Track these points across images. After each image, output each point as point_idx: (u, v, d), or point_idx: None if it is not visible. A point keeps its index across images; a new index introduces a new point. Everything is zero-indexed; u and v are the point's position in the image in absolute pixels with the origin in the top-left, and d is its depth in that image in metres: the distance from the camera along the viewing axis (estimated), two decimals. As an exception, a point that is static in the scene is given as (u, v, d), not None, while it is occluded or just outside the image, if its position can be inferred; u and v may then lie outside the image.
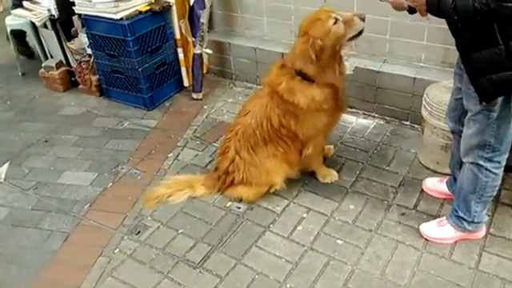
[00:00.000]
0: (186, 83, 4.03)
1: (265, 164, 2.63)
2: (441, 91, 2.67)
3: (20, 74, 4.53)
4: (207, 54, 3.82)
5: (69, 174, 3.11)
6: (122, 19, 3.43)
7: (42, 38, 4.32)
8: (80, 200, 2.86)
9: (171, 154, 3.20)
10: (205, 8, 3.60)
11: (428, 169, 2.85)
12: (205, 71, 4.01)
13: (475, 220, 2.28)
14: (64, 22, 3.98)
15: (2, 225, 2.73)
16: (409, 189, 2.73)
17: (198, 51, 3.73)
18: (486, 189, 2.18)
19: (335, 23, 2.35)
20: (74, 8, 3.63)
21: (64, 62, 4.17)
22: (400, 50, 3.26)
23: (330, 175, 2.83)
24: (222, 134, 3.03)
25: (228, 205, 2.72)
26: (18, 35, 4.48)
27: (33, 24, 4.07)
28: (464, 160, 2.18)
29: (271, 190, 2.74)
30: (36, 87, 4.28)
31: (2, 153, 3.37)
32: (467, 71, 1.93)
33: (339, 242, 2.43)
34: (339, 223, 2.54)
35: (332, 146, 3.06)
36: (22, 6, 4.06)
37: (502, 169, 2.14)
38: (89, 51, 3.87)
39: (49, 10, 3.79)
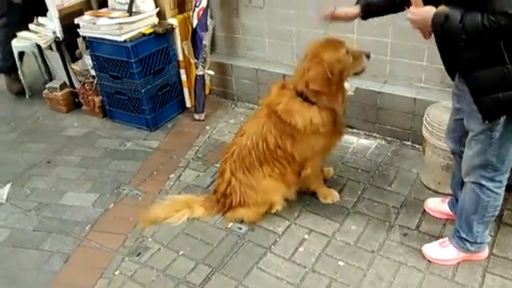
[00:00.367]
0: (188, 104, 4.06)
1: (261, 184, 2.63)
2: (441, 111, 2.68)
3: (28, 96, 4.56)
4: (209, 75, 3.86)
5: (71, 194, 3.12)
6: (125, 41, 3.47)
7: (46, 59, 4.38)
8: (81, 221, 2.86)
9: (173, 175, 3.20)
10: (207, 30, 3.65)
11: (429, 189, 2.84)
12: (207, 92, 4.05)
13: (478, 240, 2.27)
14: (68, 43, 4.04)
15: (3, 246, 2.73)
16: (411, 209, 2.71)
17: (201, 72, 3.77)
18: (488, 208, 2.17)
19: (347, 53, 2.42)
20: (78, 30, 3.69)
21: (68, 83, 4.22)
22: (400, 71, 3.28)
23: (331, 195, 2.83)
24: (224, 154, 3.04)
25: (229, 226, 2.71)
26: (12, 69, 4.54)
27: (38, 46, 4.14)
28: (465, 180, 2.18)
29: (272, 211, 2.74)
30: (40, 108, 4.32)
31: (5, 173, 3.38)
32: (470, 89, 1.92)
33: (341, 263, 2.41)
34: (341, 244, 2.53)
35: (331, 168, 3.06)
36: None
37: (504, 188, 2.14)
38: (92, 73, 3.92)
39: (54, 33, 3.85)
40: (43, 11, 3.96)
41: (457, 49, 1.90)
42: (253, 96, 3.95)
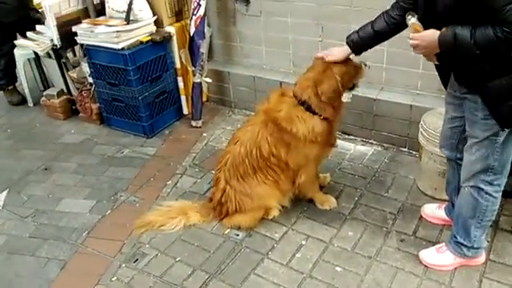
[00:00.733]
0: (185, 111, 4.07)
1: (255, 190, 2.63)
2: (437, 118, 2.69)
3: (32, 105, 4.55)
4: (207, 82, 3.88)
5: (68, 201, 3.11)
6: (123, 49, 3.49)
7: (44, 66, 4.40)
8: (78, 227, 2.85)
9: (170, 182, 3.20)
10: (204, 38, 3.67)
11: (426, 195, 2.85)
12: (204, 99, 4.06)
13: (475, 245, 2.27)
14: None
15: (-1, 253, 2.72)
16: (407, 215, 2.72)
17: (198, 80, 3.79)
18: (486, 213, 2.18)
19: (351, 65, 2.46)
20: (76, 38, 3.71)
21: (65, 90, 4.23)
22: (397, 78, 3.31)
23: (328, 202, 2.83)
24: (221, 161, 3.04)
25: (226, 232, 2.71)
26: (9, 83, 4.56)
27: (35, 53, 4.17)
28: (464, 184, 2.19)
29: (269, 217, 2.75)
30: (37, 115, 4.33)
31: (2, 180, 3.38)
32: (484, 99, 1.91)
33: (338, 269, 2.41)
34: (338, 250, 2.53)
35: (328, 174, 3.07)
36: None
37: (501, 193, 2.15)
38: (90, 80, 3.93)
39: (51, 40, 3.86)
40: (28, 29, 4.05)
41: (456, 63, 1.92)
42: (250, 103, 3.97)
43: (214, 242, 2.64)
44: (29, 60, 4.43)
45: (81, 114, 4.16)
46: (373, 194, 2.93)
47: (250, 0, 3.67)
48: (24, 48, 4.23)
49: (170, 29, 3.77)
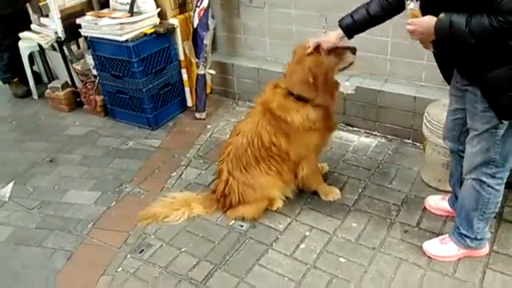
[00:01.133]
0: (189, 103, 4.08)
1: (258, 180, 2.65)
2: (441, 109, 2.69)
3: (37, 97, 4.56)
4: (210, 74, 3.88)
5: (73, 193, 3.13)
6: (127, 41, 3.49)
7: (48, 59, 4.41)
8: (83, 219, 2.87)
9: (175, 173, 3.22)
10: (208, 30, 3.67)
11: (430, 186, 2.86)
12: (208, 91, 4.07)
13: (478, 237, 2.28)
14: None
15: (6, 244, 2.74)
16: (411, 206, 2.73)
17: (202, 72, 3.79)
18: (489, 205, 2.18)
19: (328, 54, 2.43)
20: (80, 30, 3.71)
21: (70, 82, 4.24)
22: (401, 70, 3.30)
23: (332, 193, 2.84)
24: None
25: (231, 223, 2.72)
26: (13, 76, 4.57)
27: (39, 46, 4.17)
28: (466, 177, 2.19)
29: (273, 208, 2.76)
30: (42, 108, 4.35)
31: (7, 172, 3.40)
32: (482, 90, 1.90)
33: (342, 260, 2.42)
34: (342, 241, 2.54)
35: (325, 164, 3.08)
36: None
37: (504, 185, 2.15)
38: (94, 72, 3.94)
39: (56, 33, 3.87)
40: (28, 23, 4.07)
41: (453, 52, 1.91)
42: (254, 95, 3.92)
43: (218, 233, 2.66)
44: (33, 53, 4.44)
45: (85, 106, 4.18)
46: (377, 185, 2.93)
47: (253, -9, 3.66)
48: (28, 41, 4.23)
49: (174, 21, 3.77)
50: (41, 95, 4.50)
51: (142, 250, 2.59)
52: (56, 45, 4.04)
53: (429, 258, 2.38)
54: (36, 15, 4.06)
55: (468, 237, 2.28)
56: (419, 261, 2.37)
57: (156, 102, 3.79)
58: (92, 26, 3.61)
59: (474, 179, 2.14)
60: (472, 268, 2.31)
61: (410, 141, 3.31)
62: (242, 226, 2.69)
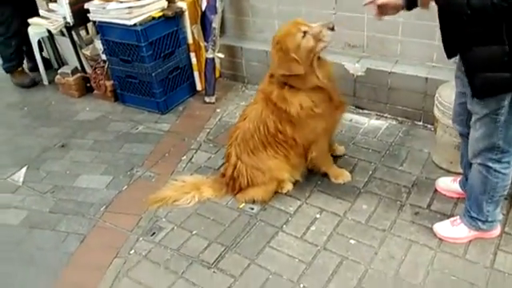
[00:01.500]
0: (198, 87, 4.07)
1: (266, 163, 2.66)
2: (452, 90, 2.63)
3: (47, 83, 4.54)
4: (219, 58, 3.87)
5: (85, 177, 3.17)
6: (135, 25, 3.48)
7: (57, 45, 4.41)
8: (96, 202, 2.91)
9: (185, 157, 3.24)
10: (216, 13, 3.64)
11: (441, 168, 2.84)
12: (217, 75, 4.05)
13: (489, 219, 2.27)
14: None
15: (21, 227, 2.79)
16: (422, 188, 2.72)
17: (211, 55, 3.77)
18: (497, 189, 2.16)
19: (304, 37, 2.41)
20: (88, 15, 3.71)
21: (79, 68, 4.25)
22: (411, 51, 3.26)
23: (342, 175, 2.84)
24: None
25: (241, 206, 2.74)
26: (18, 65, 4.54)
27: (49, 32, 4.18)
28: (472, 161, 2.17)
29: (283, 191, 2.77)
30: (52, 93, 4.37)
31: (20, 157, 3.44)
32: (464, 66, 1.91)
33: (352, 241, 2.43)
34: (352, 223, 2.55)
35: (342, 147, 3.07)
36: None
37: (511, 168, 2.13)
38: (103, 57, 3.94)
39: (64, 18, 3.87)
40: (34, 8, 4.05)
41: (458, 22, 1.87)
42: (263, 78, 3.94)
43: (229, 216, 2.68)
44: (42, 39, 4.44)
45: (95, 92, 4.19)
46: (387, 167, 2.92)
47: (262, -27, 3.62)
48: (37, 27, 4.23)
49: (182, 4, 3.74)
50: (51, 81, 4.50)
51: (154, 233, 2.62)
52: (65, 30, 4.05)
53: (439, 239, 2.38)
54: (44, 0, 4.06)
55: (479, 219, 2.27)
56: (430, 242, 2.37)
57: (165, 87, 3.79)
58: (100, 10, 3.60)
59: (480, 164, 2.13)
60: (483, 249, 2.30)
61: (420, 123, 3.28)
62: (252, 209, 2.71)
